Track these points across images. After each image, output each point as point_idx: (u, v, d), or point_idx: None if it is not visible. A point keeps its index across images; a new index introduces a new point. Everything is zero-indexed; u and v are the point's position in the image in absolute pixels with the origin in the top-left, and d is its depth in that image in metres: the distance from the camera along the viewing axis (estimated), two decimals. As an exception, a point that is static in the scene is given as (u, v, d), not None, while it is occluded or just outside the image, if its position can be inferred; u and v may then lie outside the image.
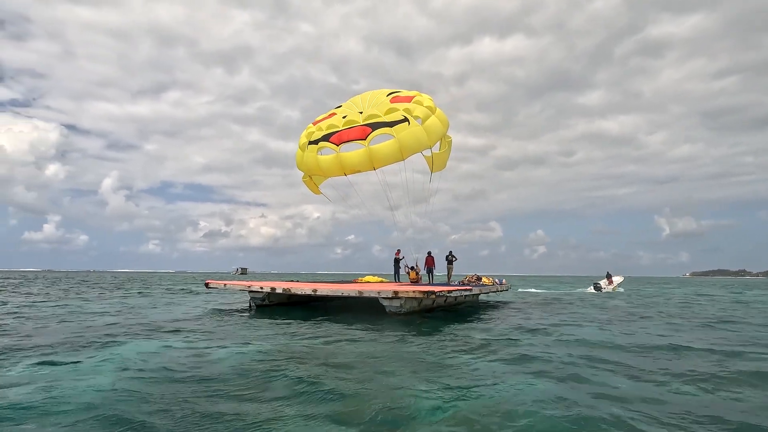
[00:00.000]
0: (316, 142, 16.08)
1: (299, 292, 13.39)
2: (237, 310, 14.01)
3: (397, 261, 22.22)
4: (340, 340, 8.17)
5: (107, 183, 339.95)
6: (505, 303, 19.09)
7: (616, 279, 34.91)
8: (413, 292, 11.84)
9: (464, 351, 7.20)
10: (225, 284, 15.13)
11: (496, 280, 20.19)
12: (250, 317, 12.14)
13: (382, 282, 20.68)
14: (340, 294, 12.66)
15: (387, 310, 12.09)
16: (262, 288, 13.94)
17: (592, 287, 33.99)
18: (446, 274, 22.05)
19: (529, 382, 5.00)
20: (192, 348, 7.19)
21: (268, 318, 11.84)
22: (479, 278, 19.38)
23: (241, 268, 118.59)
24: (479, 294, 18.96)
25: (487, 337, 8.64)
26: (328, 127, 16.17)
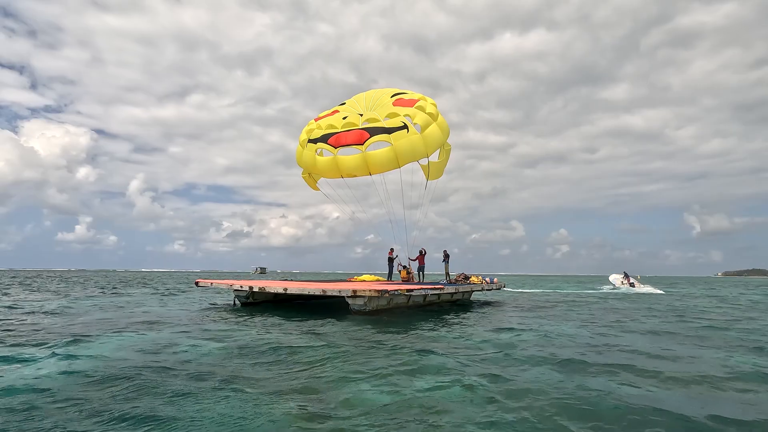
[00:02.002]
0: (315, 141, 16.25)
1: (273, 291, 13.87)
2: (222, 307, 14.59)
3: (390, 260, 22.48)
4: (291, 334, 8.57)
5: (134, 185, 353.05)
6: (492, 303, 19.11)
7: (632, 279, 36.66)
8: (369, 291, 12.09)
9: (400, 348, 7.47)
10: (212, 283, 15.78)
11: (486, 279, 20.25)
12: (230, 314, 12.67)
13: (378, 280, 20.93)
14: (306, 292, 13.02)
15: (351, 308, 12.39)
16: (241, 287, 14.51)
17: (626, 285, 35.88)
18: (444, 272, 22.16)
19: (445, 383, 5.30)
20: (153, 341, 7.77)
21: (246, 315, 12.36)
22: (467, 277, 19.48)
23: (260, 268, 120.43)
24: (466, 293, 19.02)
25: (433, 334, 8.89)
26: (328, 127, 16.27)
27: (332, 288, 12.80)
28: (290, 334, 8.83)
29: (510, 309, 16.49)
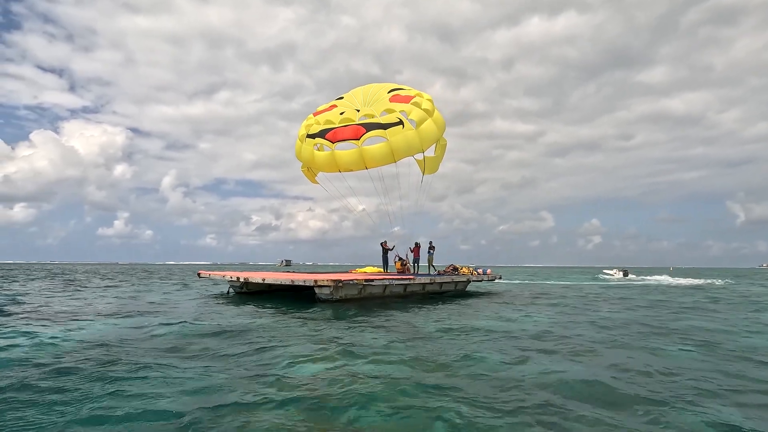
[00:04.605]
0: (313, 136, 16.68)
1: (255, 281, 14.73)
2: (217, 297, 15.65)
3: (385, 251, 22.96)
4: (253, 320, 9.40)
5: (167, 181, 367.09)
6: (484, 294, 19.42)
7: (630, 274, 46.96)
8: (328, 281, 12.69)
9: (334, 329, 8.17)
10: (210, 274, 16.85)
11: (479, 271, 20.54)
12: (224, 303, 13.64)
13: (379, 272, 21.51)
14: (279, 283, 13.78)
15: (317, 297, 13.06)
16: (231, 277, 15.50)
17: (620, 274, 45.48)
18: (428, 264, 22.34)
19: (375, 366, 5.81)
20: (133, 323, 8.76)
21: (234, 304, 13.28)
22: (455, 268, 19.85)
23: (286, 260, 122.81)
24: (458, 283, 19.38)
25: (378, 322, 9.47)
26: (326, 122, 16.70)
27: (300, 278, 13.48)
28: (252, 318, 9.80)
29: (492, 299, 16.80)
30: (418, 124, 15.85)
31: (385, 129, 15.60)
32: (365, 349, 6.53)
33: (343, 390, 4.57)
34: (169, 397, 4.30)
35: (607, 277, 47.39)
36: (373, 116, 16.51)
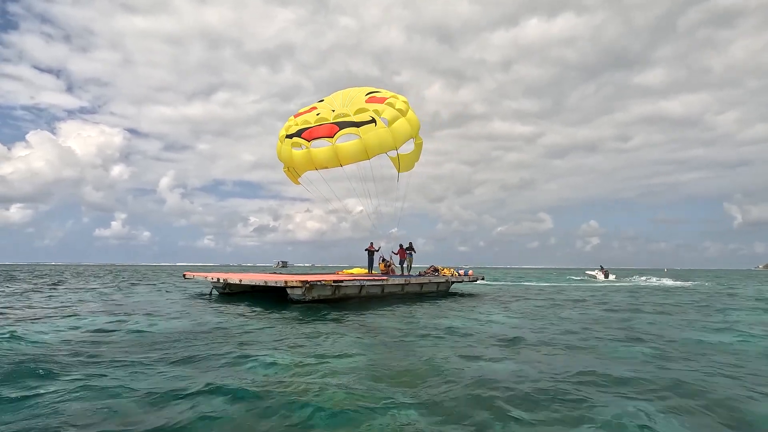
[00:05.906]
0: (291, 136, 17.34)
1: (233, 282, 15.17)
2: (201, 297, 16.07)
3: (371, 253, 23.41)
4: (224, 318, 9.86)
5: (164, 182, 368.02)
6: (454, 295, 19.84)
7: (611, 275, 44.87)
8: (297, 281, 13.11)
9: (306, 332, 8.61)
10: (194, 275, 17.31)
11: (459, 272, 20.99)
12: (207, 303, 14.09)
13: (366, 273, 21.94)
14: (254, 283, 14.20)
15: (289, 297, 13.35)
16: (213, 278, 15.94)
17: (601, 275, 43.62)
18: (408, 265, 22.74)
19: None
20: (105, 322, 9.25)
21: (214, 304, 13.73)
22: (436, 269, 20.30)
23: (282, 262, 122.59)
24: (441, 284, 19.84)
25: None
26: (303, 123, 17.39)
27: (272, 279, 13.89)
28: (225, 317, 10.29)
29: (467, 301, 17.21)
30: (390, 122, 16.41)
31: (358, 127, 16.18)
32: (314, 353, 6.52)
33: (287, 393, 4.55)
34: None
35: (588, 278, 46.84)
36: (347, 116, 17.14)
